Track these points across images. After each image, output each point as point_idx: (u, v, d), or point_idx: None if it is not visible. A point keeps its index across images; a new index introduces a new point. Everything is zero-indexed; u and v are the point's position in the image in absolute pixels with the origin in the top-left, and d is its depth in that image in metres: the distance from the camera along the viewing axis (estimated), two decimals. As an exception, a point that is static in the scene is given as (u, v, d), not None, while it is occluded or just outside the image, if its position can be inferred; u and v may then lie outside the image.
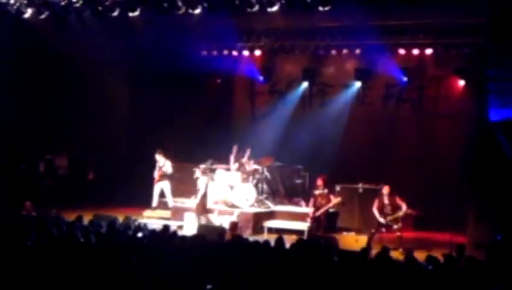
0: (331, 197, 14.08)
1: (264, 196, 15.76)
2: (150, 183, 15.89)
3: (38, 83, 17.75)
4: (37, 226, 10.42)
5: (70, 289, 7.23)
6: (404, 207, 13.05)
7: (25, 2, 14.85)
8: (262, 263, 8.18)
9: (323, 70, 17.86)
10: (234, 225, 12.71)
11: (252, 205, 15.21)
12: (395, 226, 12.97)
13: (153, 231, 10.75)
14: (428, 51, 15.82)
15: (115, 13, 14.49)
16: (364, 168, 16.46)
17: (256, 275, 7.53)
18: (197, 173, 15.02)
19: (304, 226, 14.05)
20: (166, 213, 15.43)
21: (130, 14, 14.52)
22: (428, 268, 8.54)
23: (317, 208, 13.93)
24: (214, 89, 18.77)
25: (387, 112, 17.17)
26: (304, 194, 16.22)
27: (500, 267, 8.63)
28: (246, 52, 17.42)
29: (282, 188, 16.68)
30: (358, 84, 17.38)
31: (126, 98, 18.60)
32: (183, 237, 10.37)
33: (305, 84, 17.99)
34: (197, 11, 14.02)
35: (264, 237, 13.32)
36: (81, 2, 14.47)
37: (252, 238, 10.91)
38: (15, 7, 14.93)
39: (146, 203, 15.81)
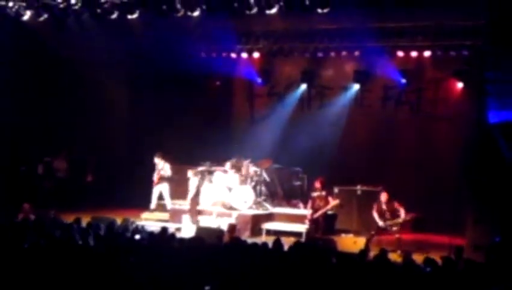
0: (330, 199, 14.10)
1: (263, 198, 15.76)
2: (149, 185, 15.89)
3: (38, 85, 17.77)
4: (35, 228, 10.41)
5: (68, 291, 7.24)
6: (402, 213, 13.03)
7: (24, 4, 14.88)
8: (260, 265, 8.17)
9: (322, 72, 17.87)
10: (232, 227, 12.70)
11: (251, 207, 15.20)
12: (395, 228, 12.98)
13: (151, 233, 10.74)
14: (427, 53, 15.82)
15: (114, 16, 14.52)
16: (362, 170, 16.47)
17: (254, 277, 7.53)
18: (189, 173, 15.05)
19: (302, 228, 14.06)
20: (165, 215, 15.43)
21: (129, 17, 14.55)
22: (427, 270, 8.53)
23: (315, 210, 13.95)
24: (213, 90, 18.79)
25: (385, 114, 17.19)
26: (302, 196, 16.22)
27: (498, 269, 8.63)
28: (244, 55, 17.42)
29: (281, 190, 16.67)
30: (356, 87, 17.40)
31: (125, 100, 18.60)
32: (182, 239, 10.35)
33: (303, 87, 18.00)
34: (196, 13, 14.04)
35: (262, 239, 13.34)
36: (80, 4, 14.48)
37: (250, 241, 10.88)
38: (14, 10, 14.96)
39: (145, 205, 15.80)
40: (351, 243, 13.68)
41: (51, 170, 17.30)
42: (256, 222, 14.64)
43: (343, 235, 14.84)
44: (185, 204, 15.44)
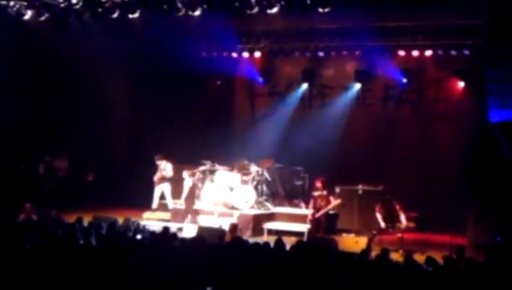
0: (331, 198, 14.08)
1: (264, 197, 15.74)
2: (150, 184, 15.88)
3: (38, 84, 17.78)
4: (36, 227, 10.41)
5: (70, 291, 7.24)
6: (404, 220, 12.99)
7: (25, 4, 14.88)
8: (262, 264, 8.17)
9: (322, 71, 17.88)
10: (234, 227, 12.69)
11: (252, 207, 15.19)
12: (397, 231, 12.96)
13: (153, 233, 10.75)
14: (428, 53, 15.83)
15: (115, 15, 14.51)
16: (364, 169, 16.47)
17: (256, 277, 7.53)
18: (184, 174, 15.05)
19: (303, 228, 14.05)
20: (166, 215, 15.43)
21: (130, 16, 14.54)
22: (428, 270, 8.54)
23: (316, 209, 13.93)
24: (214, 90, 18.79)
25: (386, 114, 17.19)
26: (303, 195, 16.20)
27: (499, 268, 8.63)
28: (245, 54, 17.44)
29: (282, 189, 16.66)
30: (357, 86, 17.40)
31: (126, 99, 18.62)
32: (183, 239, 10.37)
33: (304, 86, 18.01)
34: (197, 12, 14.04)
35: (263, 238, 13.32)
36: (81, 3, 14.48)
37: (251, 240, 10.89)
38: (15, 9, 14.97)
39: (146, 204, 15.79)
40: (352, 242, 13.67)
41: (51, 169, 17.32)
42: (257, 222, 14.63)
43: (344, 235, 14.83)
44: (179, 203, 15.46)
